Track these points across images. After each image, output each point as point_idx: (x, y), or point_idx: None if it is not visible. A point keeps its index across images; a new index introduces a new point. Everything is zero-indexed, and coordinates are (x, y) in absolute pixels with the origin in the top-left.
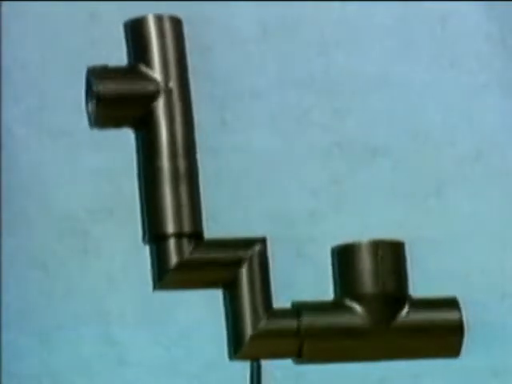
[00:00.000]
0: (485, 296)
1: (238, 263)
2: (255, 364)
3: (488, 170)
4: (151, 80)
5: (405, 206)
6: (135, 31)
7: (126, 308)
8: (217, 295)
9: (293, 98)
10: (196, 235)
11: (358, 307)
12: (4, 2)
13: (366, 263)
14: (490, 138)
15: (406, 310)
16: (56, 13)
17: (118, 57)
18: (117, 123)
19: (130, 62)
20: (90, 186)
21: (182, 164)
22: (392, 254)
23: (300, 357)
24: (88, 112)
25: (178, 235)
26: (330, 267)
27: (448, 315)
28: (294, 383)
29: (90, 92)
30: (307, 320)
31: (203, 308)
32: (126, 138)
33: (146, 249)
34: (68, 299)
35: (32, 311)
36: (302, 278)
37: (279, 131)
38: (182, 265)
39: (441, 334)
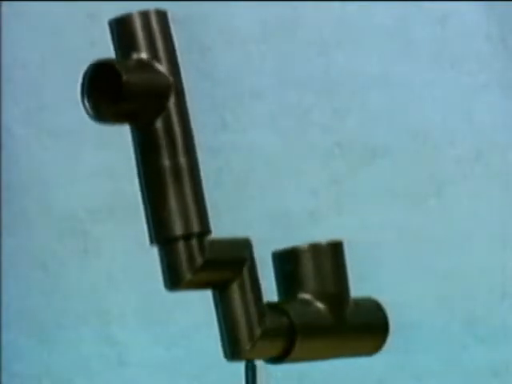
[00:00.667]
0: (485, 296)
1: (242, 263)
2: (250, 364)
3: (488, 170)
4: (165, 75)
5: (405, 206)
6: (122, 28)
7: (126, 308)
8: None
9: (293, 98)
10: (204, 233)
11: (321, 306)
12: (4, 2)
13: (307, 266)
14: (490, 138)
15: (348, 310)
16: (56, 13)
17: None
18: (124, 119)
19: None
20: (90, 185)
21: (183, 161)
22: (332, 256)
23: (286, 356)
24: (93, 106)
25: (187, 236)
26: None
27: (377, 316)
28: (295, 383)
29: (98, 86)
30: (297, 319)
31: (203, 308)
32: (125, 138)
33: (146, 249)
34: (68, 299)
35: (32, 311)
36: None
37: (279, 131)
38: (194, 266)
39: (373, 333)
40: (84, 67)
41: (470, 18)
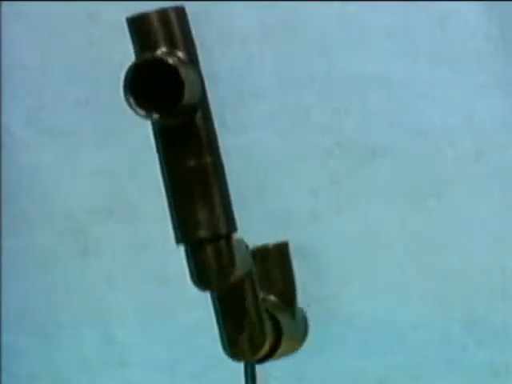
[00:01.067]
0: (485, 296)
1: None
2: (249, 364)
3: (488, 170)
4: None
5: (405, 206)
6: (138, 27)
7: (126, 308)
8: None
9: (293, 97)
10: (231, 234)
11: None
12: (4, 2)
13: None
14: (490, 138)
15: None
16: (56, 13)
17: (118, 57)
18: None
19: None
20: (90, 185)
21: (209, 162)
22: (278, 257)
23: (272, 355)
24: (136, 104)
25: (215, 238)
26: (329, 267)
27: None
28: (295, 383)
29: (148, 82)
30: (282, 318)
31: (203, 308)
32: (125, 138)
33: (146, 249)
34: (68, 299)
35: (32, 311)
36: (301, 278)
37: (279, 131)
38: (223, 267)
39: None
40: (84, 67)
41: (470, 18)
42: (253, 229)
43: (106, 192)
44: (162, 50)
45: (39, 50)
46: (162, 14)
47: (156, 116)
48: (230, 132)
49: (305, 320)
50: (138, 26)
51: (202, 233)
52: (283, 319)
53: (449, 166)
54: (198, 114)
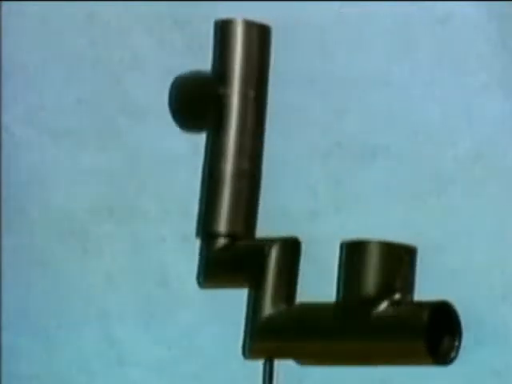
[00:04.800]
0: (485, 296)
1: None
2: (268, 363)
3: (488, 170)
4: (229, 84)
5: (405, 206)
6: (222, 33)
7: (126, 308)
8: (217, 295)
9: (293, 97)
10: (246, 237)
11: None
12: (4, 2)
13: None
14: (490, 138)
15: (375, 314)
16: (56, 13)
17: (118, 56)
18: (196, 126)
19: (213, 62)
20: (90, 185)
21: (246, 167)
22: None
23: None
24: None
25: (230, 235)
26: (330, 267)
27: (416, 318)
28: (296, 383)
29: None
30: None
31: (204, 308)
32: (125, 138)
33: (146, 248)
34: (68, 299)
35: (32, 311)
36: (301, 278)
37: (279, 131)
38: (226, 263)
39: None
40: (84, 67)
41: (470, 18)
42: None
43: (106, 192)
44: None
45: (39, 50)
46: (247, 26)
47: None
48: None
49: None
50: (222, 32)
51: (219, 227)
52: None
53: (449, 166)
54: (230, 125)
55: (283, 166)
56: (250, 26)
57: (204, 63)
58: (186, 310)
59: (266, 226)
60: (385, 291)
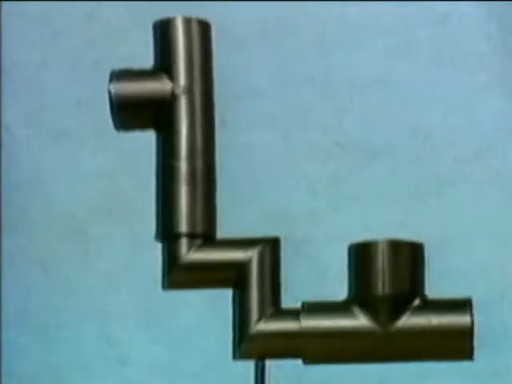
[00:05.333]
0: (485, 296)
1: (248, 263)
2: (260, 364)
3: (488, 170)
4: (171, 81)
5: (405, 206)
6: (162, 32)
7: (126, 308)
8: (217, 295)
9: (293, 97)
10: (208, 236)
11: (360, 308)
12: (4, 2)
13: (380, 263)
14: (490, 138)
15: (409, 312)
16: (56, 13)
17: (117, 56)
18: (136, 125)
19: (155, 62)
20: (90, 185)
21: (199, 165)
22: (409, 254)
23: (304, 358)
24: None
25: (191, 235)
26: (329, 267)
27: (457, 318)
28: (295, 383)
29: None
30: (306, 321)
31: (204, 308)
32: (125, 139)
33: (146, 249)
34: (68, 299)
35: (32, 311)
36: (301, 278)
37: (279, 131)
38: (192, 264)
39: (447, 336)
40: (84, 67)
41: (470, 18)
42: (253, 228)
43: (106, 192)
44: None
45: (39, 50)
46: (186, 23)
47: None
48: (230, 132)
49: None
50: (160, 32)
51: (179, 228)
52: (325, 326)
53: (449, 166)
54: (179, 123)
55: (283, 166)
56: (189, 22)
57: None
58: (186, 310)
59: (266, 226)
60: (412, 289)
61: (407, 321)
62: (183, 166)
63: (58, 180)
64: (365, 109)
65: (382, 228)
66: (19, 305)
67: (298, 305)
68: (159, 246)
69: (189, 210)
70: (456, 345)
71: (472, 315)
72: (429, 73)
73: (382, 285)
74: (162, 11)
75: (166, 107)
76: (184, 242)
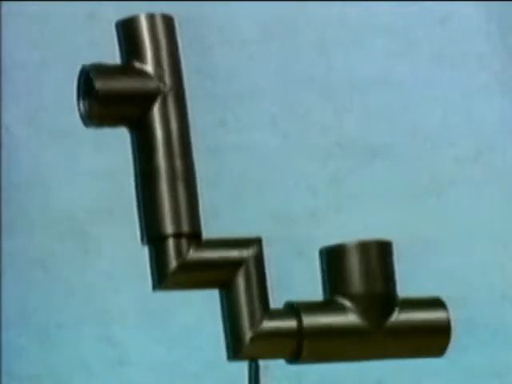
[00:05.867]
0: (485, 296)
1: (237, 264)
2: (253, 364)
3: (488, 170)
4: (149, 79)
5: (405, 206)
6: (128, 30)
7: (126, 308)
8: (217, 295)
9: (293, 97)
10: (194, 235)
11: (352, 307)
12: (4, 2)
13: (355, 264)
14: (490, 138)
15: (396, 310)
16: (55, 13)
17: (118, 56)
18: (114, 122)
19: (123, 62)
20: (90, 185)
21: (178, 164)
22: (381, 254)
23: (298, 357)
24: (83, 110)
25: (177, 235)
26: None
27: (437, 315)
28: (295, 383)
29: (85, 89)
30: (307, 320)
31: (203, 308)
32: (125, 138)
33: (146, 249)
34: (68, 299)
35: (32, 311)
36: (301, 278)
37: (279, 131)
38: (181, 266)
39: (430, 334)
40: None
41: (470, 18)
42: (253, 228)
43: (106, 192)
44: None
45: (39, 50)
46: (150, 19)
47: (85, 119)
48: (229, 132)
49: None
50: (125, 31)
51: (164, 229)
52: (323, 324)
53: (449, 166)
54: (149, 121)
55: (283, 166)
56: (152, 18)
57: (203, 62)
58: (186, 309)
59: (267, 226)
60: (389, 288)
61: (397, 319)
62: (162, 165)
63: (58, 180)
64: (365, 109)
65: (382, 228)
66: (19, 305)
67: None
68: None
69: (173, 210)
70: (437, 341)
71: (448, 312)
72: (429, 73)
73: (361, 284)
74: (162, 11)
75: (148, 104)
76: (171, 243)
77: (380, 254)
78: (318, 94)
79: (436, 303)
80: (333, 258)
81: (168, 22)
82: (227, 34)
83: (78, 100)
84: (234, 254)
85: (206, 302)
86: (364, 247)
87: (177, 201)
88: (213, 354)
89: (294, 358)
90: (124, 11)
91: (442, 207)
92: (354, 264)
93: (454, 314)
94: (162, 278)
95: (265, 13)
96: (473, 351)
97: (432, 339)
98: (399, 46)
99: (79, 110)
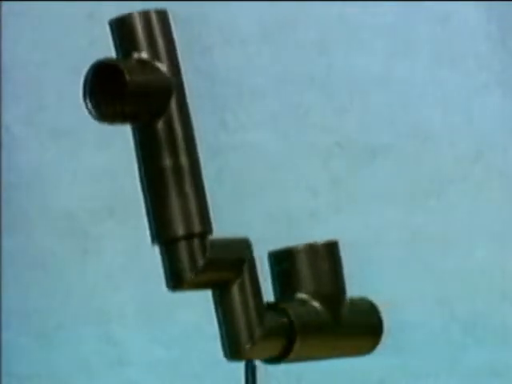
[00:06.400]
0: (485, 296)
1: (242, 263)
2: (250, 364)
3: (488, 170)
4: (164, 74)
5: (405, 206)
6: (123, 27)
7: (125, 308)
8: None
9: (293, 97)
10: (206, 233)
11: (318, 306)
12: (4, 2)
13: (303, 266)
14: (490, 138)
15: (345, 308)
16: (55, 13)
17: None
18: (137, 119)
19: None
20: (90, 185)
21: (185, 162)
22: (328, 256)
23: (286, 356)
24: (95, 106)
25: (189, 236)
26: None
27: (372, 316)
28: (295, 383)
29: (100, 85)
30: (297, 318)
31: (203, 308)
32: (125, 138)
33: (146, 249)
34: (68, 299)
35: (32, 311)
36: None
37: (279, 131)
38: (195, 266)
39: (368, 333)
40: (84, 67)
41: (470, 18)
42: (253, 228)
43: (106, 192)
44: (140, 53)
45: (39, 50)
46: (144, 16)
47: (96, 115)
48: (229, 132)
49: (374, 318)
50: (119, 29)
51: (176, 231)
52: (310, 318)
53: (449, 166)
54: (167, 115)
55: (283, 166)
56: (146, 14)
57: (203, 62)
58: (185, 310)
59: (267, 226)
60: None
61: (347, 317)
62: (168, 163)
63: (58, 180)
64: (365, 109)
65: (382, 228)
66: (19, 305)
67: None
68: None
69: (183, 210)
70: (372, 339)
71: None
72: (429, 73)
73: (310, 285)
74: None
75: (167, 99)
76: (183, 245)
77: (327, 254)
78: (317, 94)
79: (369, 304)
80: (281, 261)
81: (163, 16)
82: (227, 33)
83: (90, 96)
84: (238, 254)
85: (206, 302)
86: (312, 249)
87: (186, 200)
88: (213, 354)
89: (281, 357)
90: (124, 11)
91: (442, 207)
92: (302, 266)
93: (455, 314)
94: (178, 280)
95: (265, 13)
96: (473, 351)
97: (366, 339)
98: (399, 46)
99: (90, 106)
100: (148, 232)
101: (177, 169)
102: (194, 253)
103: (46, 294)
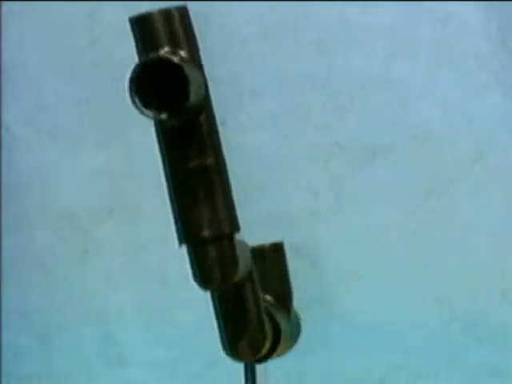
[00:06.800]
0: (485, 296)
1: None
2: (249, 364)
3: (488, 170)
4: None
5: (405, 206)
6: (146, 26)
7: (125, 308)
8: None
9: (293, 98)
10: (233, 233)
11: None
12: (4, 2)
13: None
14: (490, 138)
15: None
16: (56, 13)
17: (118, 57)
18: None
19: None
20: (90, 185)
21: (223, 158)
22: (274, 256)
23: (268, 357)
24: (145, 103)
25: (218, 237)
26: (329, 267)
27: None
28: (295, 383)
29: (157, 79)
30: (280, 321)
31: (203, 308)
32: (125, 138)
33: (146, 249)
34: (68, 299)
35: (32, 311)
36: (301, 278)
37: (279, 131)
38: (225, 267)
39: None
40: (84, 67)
41: (470, 18)
42: (253, 229)
43: (106, 192)
44: (165, 50)
45: (39, 50)
46: (165, 13)
47: (164, 116)
48: (230, 132)
49: (297, 319)
50: (141, 26)
51: (205, 232)
52: (281, 319)
53: (449, 166)
54: (203, 114)
55: (283, 166)
56: (166, 12)
57: (204, 62)
58: (185, 310)
59: (266, 226)
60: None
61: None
62: (196, 164)
63: (57, 180)
64: (365, 109)
65: (382, 228)
66: (19, 305)
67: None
68: (159, 246)
69: (211, 210)
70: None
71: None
72: (429, 73)
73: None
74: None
75: (205, 96)
76: (212, 246)
77: (273, 255)
78: (317, 94)
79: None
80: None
81: (185, 13)
82: (227, 33)
83: (139, 92)
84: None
85: (207, 303)
86: (258, 251)
87: (214, 201)
88: (213, 354)
89: (264, 358)
90: (124, 11)
91: (442, 207)
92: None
93: (454, 314)
94: (208, 281)
95: (265, 13)
96: (473, 351)
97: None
98: (399, 46)
99: (143, 104)
100: (146, 232)
101: (204, 169)
102: (224, 253)
103: (46, 294)
